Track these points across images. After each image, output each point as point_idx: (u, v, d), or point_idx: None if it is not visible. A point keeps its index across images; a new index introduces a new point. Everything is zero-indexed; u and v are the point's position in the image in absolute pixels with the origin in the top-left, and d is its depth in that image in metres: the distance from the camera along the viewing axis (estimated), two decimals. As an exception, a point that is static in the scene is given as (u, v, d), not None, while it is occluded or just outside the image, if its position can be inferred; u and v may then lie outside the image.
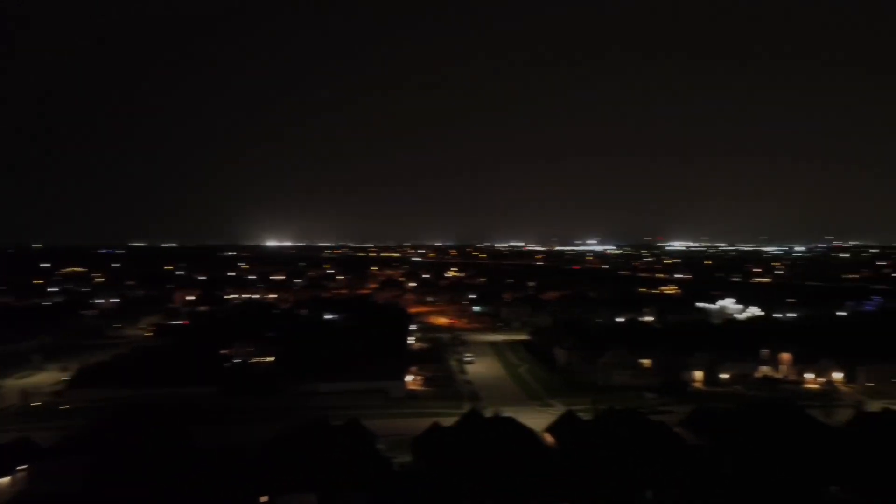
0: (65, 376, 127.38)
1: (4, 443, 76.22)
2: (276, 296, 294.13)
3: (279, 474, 66.61)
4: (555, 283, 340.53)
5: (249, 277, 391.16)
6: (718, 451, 74.59)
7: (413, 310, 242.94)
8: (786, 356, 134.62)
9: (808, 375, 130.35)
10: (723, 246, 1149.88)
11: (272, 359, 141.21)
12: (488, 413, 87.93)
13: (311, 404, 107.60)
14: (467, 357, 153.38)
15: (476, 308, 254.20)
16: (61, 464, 68.94)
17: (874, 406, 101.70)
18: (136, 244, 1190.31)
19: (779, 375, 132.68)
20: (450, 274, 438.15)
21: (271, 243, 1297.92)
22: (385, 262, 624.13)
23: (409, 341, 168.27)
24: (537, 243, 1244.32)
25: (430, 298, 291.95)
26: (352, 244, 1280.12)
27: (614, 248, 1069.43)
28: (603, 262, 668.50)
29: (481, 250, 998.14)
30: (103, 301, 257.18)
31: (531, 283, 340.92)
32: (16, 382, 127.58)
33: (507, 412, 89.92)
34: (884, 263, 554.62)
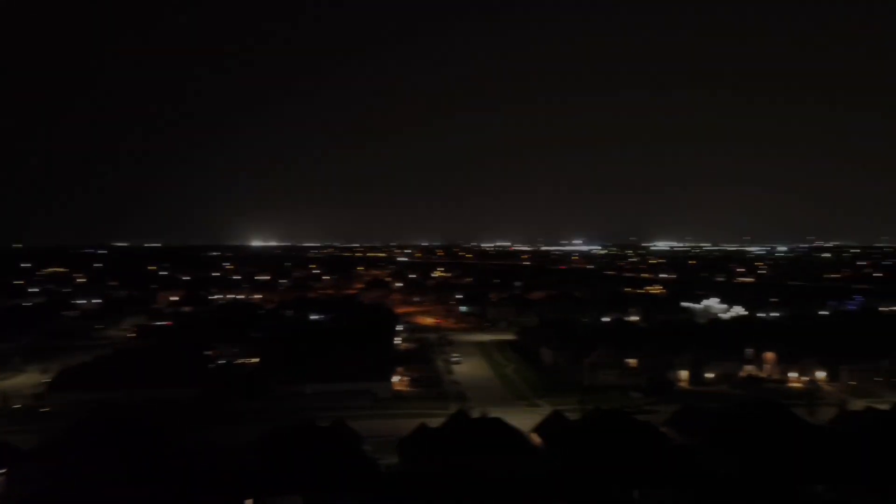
0: (45, 378, 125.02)
1: (-18, 446, 74.48)
2: (261, 296, 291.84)
3: (264, 476, 65.82)
4: (541, 283, 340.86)
5: (234, 278, 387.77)
6: (704, 450, 75.02)
7: (400, 310, 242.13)
8: (770, 355, 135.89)
9: (792, 374, 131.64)
10: (707, 246, 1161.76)
11: (257, 360, 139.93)
12: (475, 413, 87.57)
13: (297, 405, 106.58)
14: (454, 357, 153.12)
15: (463, 308, 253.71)
16: (40, 467, 67.61)
17: (857, 405, 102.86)
18: (119, 244, 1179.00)
19: (763, 374, 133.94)
20: (436, 274, 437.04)
21: (256, 243, 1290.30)
22: (371, 263, 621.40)
23: (395, 342, 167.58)
24: (524, 243, 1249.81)
25: (416, 298, 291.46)
26: (338, 244, 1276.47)
27: (600, 248, 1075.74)
28: (589, 262, 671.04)
29: (468, 250, 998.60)
30: (85, 302, 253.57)
31: (518, 283, 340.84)
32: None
33: (495, 412, 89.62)
34: (864, 263, 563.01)
